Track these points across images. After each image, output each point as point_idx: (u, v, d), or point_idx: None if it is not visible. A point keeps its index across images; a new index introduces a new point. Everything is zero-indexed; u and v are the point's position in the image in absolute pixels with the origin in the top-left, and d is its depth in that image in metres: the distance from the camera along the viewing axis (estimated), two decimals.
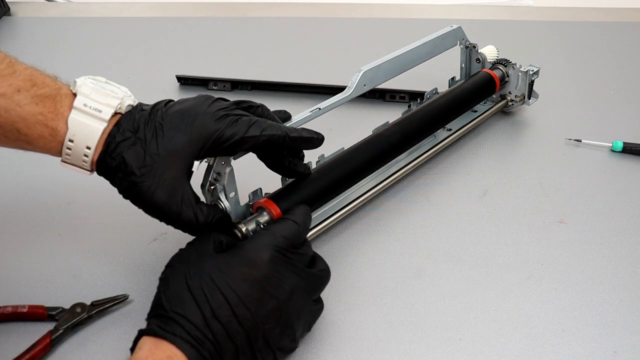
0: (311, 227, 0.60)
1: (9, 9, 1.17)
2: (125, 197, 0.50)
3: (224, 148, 0.51)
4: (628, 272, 0.59)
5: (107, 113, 0.49)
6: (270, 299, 0.46)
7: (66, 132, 0.48)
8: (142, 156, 0.48)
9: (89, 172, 0.50)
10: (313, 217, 0.61)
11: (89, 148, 0.48)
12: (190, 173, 0.51)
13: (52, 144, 0.49)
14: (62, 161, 0.50)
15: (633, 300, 0.56)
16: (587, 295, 0.57)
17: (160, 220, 0.50)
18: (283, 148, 0.55)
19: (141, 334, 0.44)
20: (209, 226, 0.51)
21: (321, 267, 0.51)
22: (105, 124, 0.48)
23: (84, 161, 0.49)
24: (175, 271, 0.46)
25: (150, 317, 0.45)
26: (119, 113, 0.50)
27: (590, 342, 0.52)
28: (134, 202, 0.50)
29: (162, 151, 0.48)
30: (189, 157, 0.49)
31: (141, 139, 0.48)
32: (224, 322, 0.43)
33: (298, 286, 0.48)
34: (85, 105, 0.48)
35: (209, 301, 0.43)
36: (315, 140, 0.57)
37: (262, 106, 0.55)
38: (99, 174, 0.50)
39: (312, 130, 0.57)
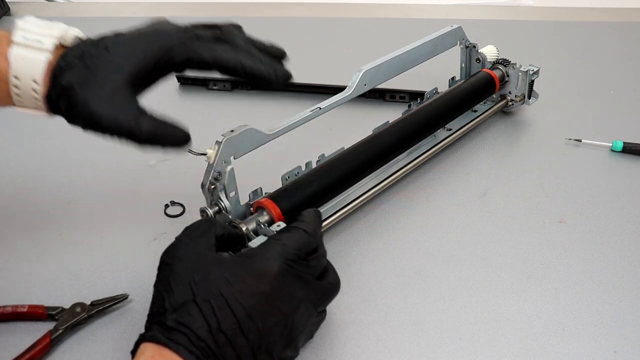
0: None
1: (9, 9, 1.16)
2: (69, 121, 0.47)
3: (171, 64, 0.48)
4: (628, 272, 0.59)
5: (49, 43, 0.46)
6: (276, 312, 0.45)
7: (9, 70, 0.45)
8: (83, 74, 0.46)
9: (45, 113, 0.48)
10: None
11: (36, 82, 0.46)
12: (139, 87, 0.48)
13: (1, 85, 0.46)
14: (16, 104, 0.47)
15: (633, 300, 0.56)
16: (587, 295, 0.57)
17: (104, 133, 0.46)
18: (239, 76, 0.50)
19: (143, 339, 0.43)
20: (156, 142, 0.47)
21: (331, 280, 0.49)
22: (47, 54, 0.45)
23: (35, 98, 0.46)
24: (176, 272, 0.45)
25: (152, 322, 0.44)
26: (65, 46, 0.47)
27: (590, 342, 0.52)
28: (76, 122, 0.47)
29: (104, 65, 0.46)
30: (133, 66, 0.47)
31: (89, 64, 0.46)
32: (229, 335, 0.43)
33: (305, 299, 0.46)
34: (24, 37, 0.46)
35: (215, 314, 0.42)
36: (274, 82, 0.50)
37: (233, 27, 0.51)
38: (51, 111, 0.47)
39: (270, 67, 0.50)
